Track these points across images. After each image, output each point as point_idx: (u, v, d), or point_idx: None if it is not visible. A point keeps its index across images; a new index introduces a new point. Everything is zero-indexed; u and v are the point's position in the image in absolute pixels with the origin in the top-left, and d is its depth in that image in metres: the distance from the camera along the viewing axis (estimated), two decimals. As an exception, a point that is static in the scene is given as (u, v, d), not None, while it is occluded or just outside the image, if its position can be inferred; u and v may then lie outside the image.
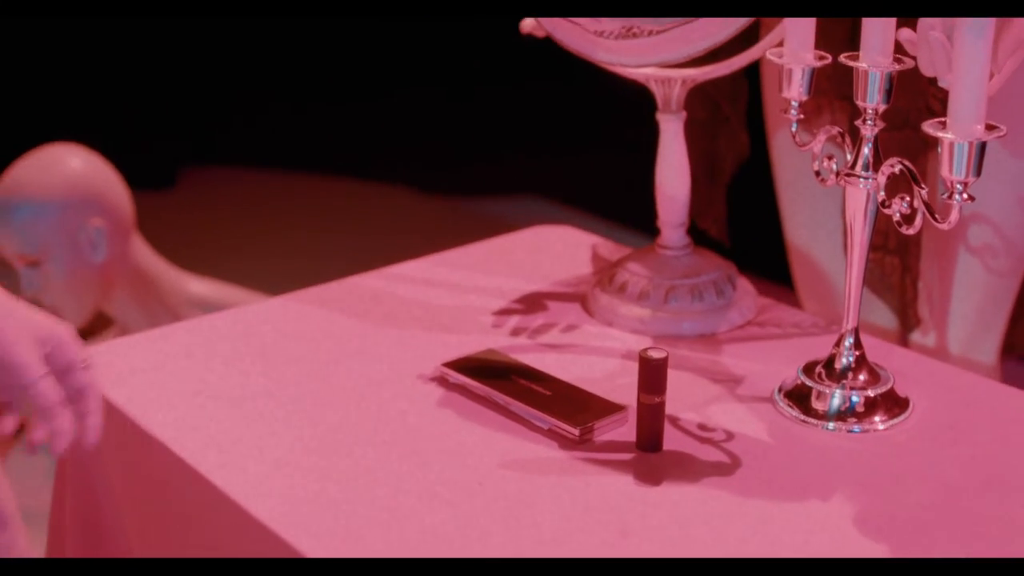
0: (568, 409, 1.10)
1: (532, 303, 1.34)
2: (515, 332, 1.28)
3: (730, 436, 1.08)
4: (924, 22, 1.06)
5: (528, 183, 3.83)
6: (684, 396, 1.14)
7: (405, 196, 3.91)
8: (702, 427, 1.10)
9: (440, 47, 3.94)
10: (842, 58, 1.08)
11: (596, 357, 1.23)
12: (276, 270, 3.21)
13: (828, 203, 1.51)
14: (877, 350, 1.21)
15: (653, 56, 1.20)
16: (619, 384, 1.16)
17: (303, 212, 3.84)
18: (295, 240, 3.61)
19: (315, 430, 1.09)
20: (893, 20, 1.05)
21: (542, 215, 3.50)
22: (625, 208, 2.95)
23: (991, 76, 1.04)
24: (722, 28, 1.18)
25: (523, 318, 1.30)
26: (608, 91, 1.58)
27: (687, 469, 1.03)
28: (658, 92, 1.27)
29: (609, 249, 1.48)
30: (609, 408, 1.11)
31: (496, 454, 1.05)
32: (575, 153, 3.84)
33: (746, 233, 1.67)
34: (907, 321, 1.47)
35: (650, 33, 1.19)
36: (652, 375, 1.05)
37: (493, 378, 1.16)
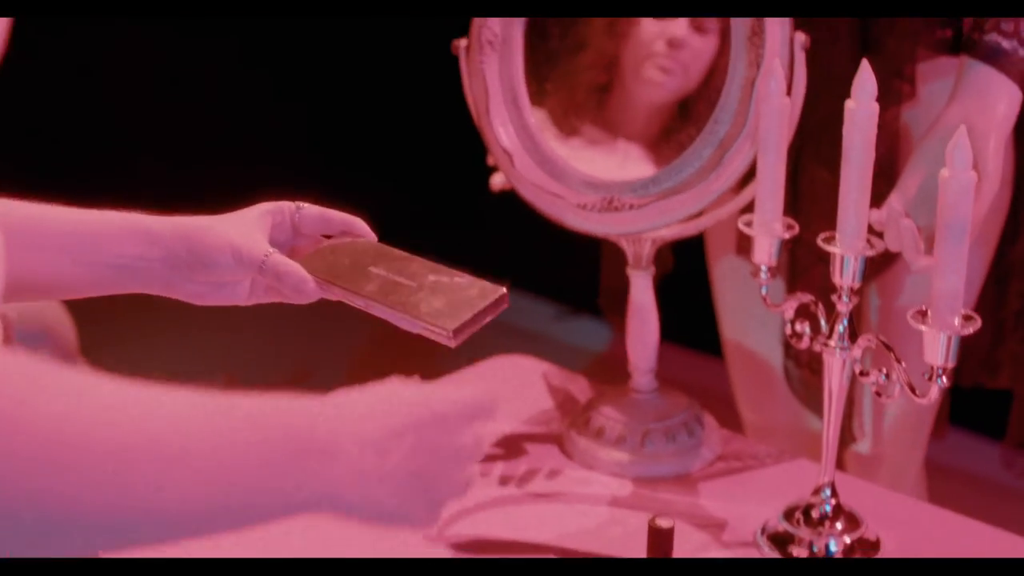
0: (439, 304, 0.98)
1: (510, 446, 1.41)
2: (503, 481, 1.35)
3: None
4: (894, 207, 1.17)
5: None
6: (678, 546, 1.23)
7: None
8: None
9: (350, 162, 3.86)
10: (819, 241, 1.18)
11: (587, 506, 1.31)
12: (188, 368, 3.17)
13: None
14: (848, 487, 1.32)
15: (632, 227, 1.28)
16: (616, 535, 1.25)
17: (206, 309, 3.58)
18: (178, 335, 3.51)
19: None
20: (867, 204, 1.15)
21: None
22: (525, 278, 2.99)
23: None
24: (698, 199, 1.27)
25: (506, 464, 1.38)
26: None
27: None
28: (629, 250, 1.36)
29: (564, 378, 1.56)
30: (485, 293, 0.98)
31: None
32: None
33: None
34: (844, 436, 1.59)
35: (631, 207, 1.27)
36: (661, 542, 1.14)
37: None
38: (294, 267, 1.01)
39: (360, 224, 1.07)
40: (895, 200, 1.21)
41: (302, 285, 1.01)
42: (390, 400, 0.77)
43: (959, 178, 1.04)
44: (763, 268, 1.24)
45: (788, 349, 1.57)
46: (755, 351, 1.65)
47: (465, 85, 1.35)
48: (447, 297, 0.97)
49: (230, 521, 0.70)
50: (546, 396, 1.52)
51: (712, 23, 1.35)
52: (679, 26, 1.37)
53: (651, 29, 1.39)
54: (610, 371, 2.91)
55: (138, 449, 0.64)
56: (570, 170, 1.31)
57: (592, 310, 3.04)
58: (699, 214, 1.32)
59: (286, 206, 1.05)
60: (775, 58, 1.21)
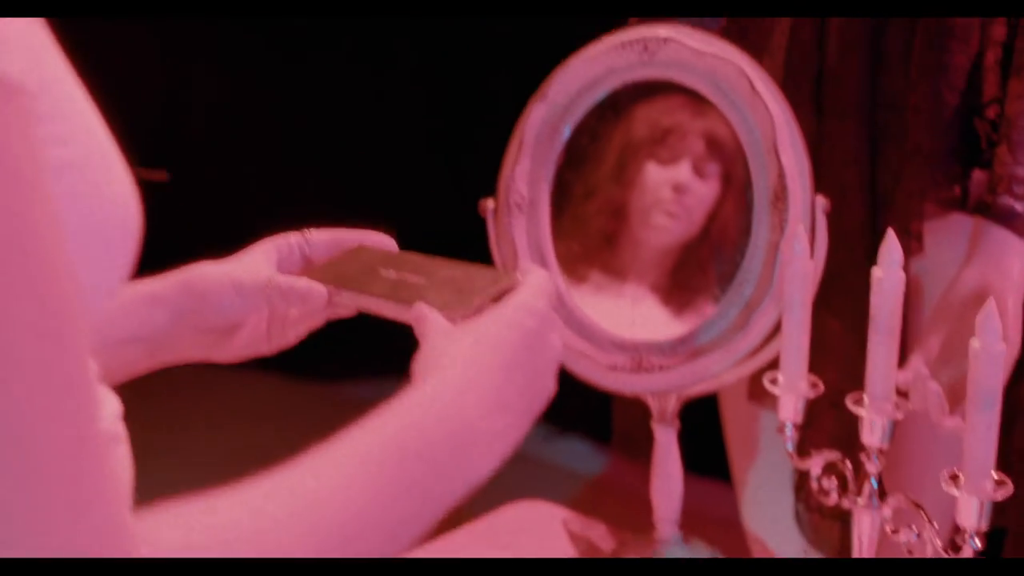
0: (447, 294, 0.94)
1: (537, 599, 1.42)
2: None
3: None
4: (919, 369, 1.21)
5: (400, 364, 3.76)
6: None
7: (273, 382, 3.63)
8: None
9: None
10: (849, 403, 1.21)
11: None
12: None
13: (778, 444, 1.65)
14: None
15: (662, 386, 1.31)
16: None
17: (153, 401, 3.60)
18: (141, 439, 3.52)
19: None
20: (895, 368, 1.18)
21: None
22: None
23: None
24: (726, 359, 1.30)
25: (535, 618, 1.39)
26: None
27: None
28: (655, 405, 1.38)
29: (583, 524, 1.58)
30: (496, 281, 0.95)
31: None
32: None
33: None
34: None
35: (660, 368, 1.30)
36: None
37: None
38: (299, 280, 0.98)
39: (376, 235, 1.05)
40: (918, 361, 1.25)
41: (310, 294, 0.98)
42: (480, 343, 0.80)
43: (989, 349, 1.07)
44: (788, 425, 1.27)
45: (799, 492, 1.60)
46: (765, 492, 1.68)
47: (492, 245, 1.38)
48: (457, 287, 0.94)
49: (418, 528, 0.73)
50: (568, 546, 1.54)
51: (713, 169, 1.40)
52: (683, 172, 1.41)
53: (657, 176, 1.43)
54: (605, 498, 2.95)
55: (346, 523, 0.66)
56: (598, 330, 1.34)
57: (583, 431, 3.07)
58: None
59: (292, 237, 1.04)
60: (798, 222, 1.25)
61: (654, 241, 1.46)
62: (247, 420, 3.57)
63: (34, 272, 0.50)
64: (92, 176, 0.58)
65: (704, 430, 1.82)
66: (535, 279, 0.87)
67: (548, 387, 0.83)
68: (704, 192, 1.42)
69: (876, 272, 1.16)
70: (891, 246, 1.14)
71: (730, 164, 1.38)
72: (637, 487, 2.98)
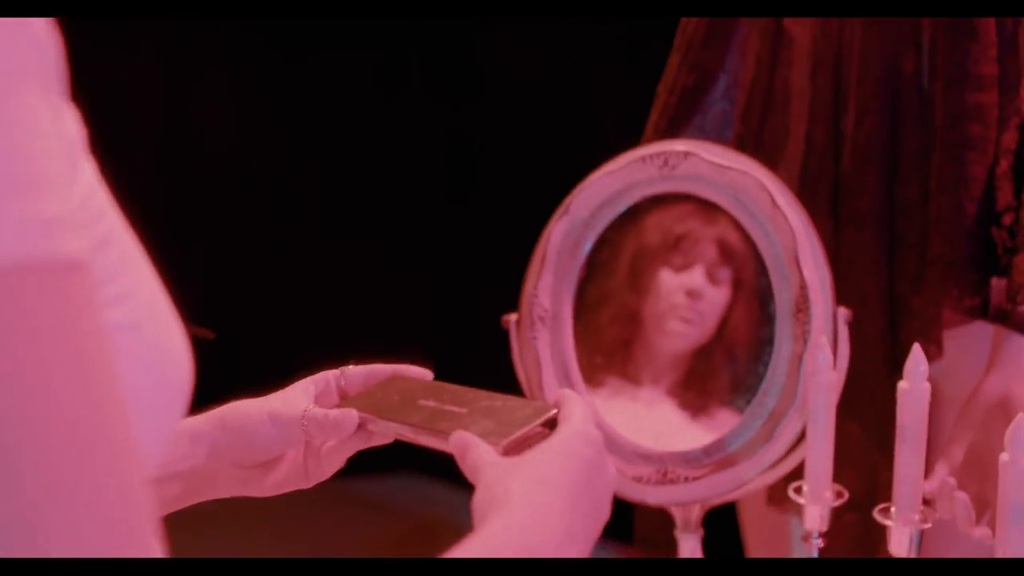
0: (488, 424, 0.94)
1: None
2: None
3: None
4: (946, 479, 1.22)
5: (402, 459, 3.78)
6: None
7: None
8: None
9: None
10: (876, 514, 1.22)
11: None
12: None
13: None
14: None
15: (687, 498, 1.32)
16: None
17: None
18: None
19: None
20: (921, 479, 1.19)
21: (422, 495, 3.54)
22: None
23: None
24: (750, 470, 1.31)
25: None
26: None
27: None
28: (678, 514, 1.39)
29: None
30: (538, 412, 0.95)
31: None
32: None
33: None
34: None
35: (685, 479, 1.31)
36: None
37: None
38: (332, 410, 1.00)
39: (412, 368, 1.06)
40: (943, 471, 1.25)
41: (344, 422, 0.99)
42: (544, 478, 0.82)
43: (1019, 463, 1.08)
44: (815, 533, 1.28)
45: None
46: None
47: (515, 358, 1.40)
48: (497, 418, 0.95)
49: None
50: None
51: (724, 275, 1.42)
52: (696, 278, 1.43)
53: (671, 283, 1.45)
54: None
55: None
56: (624, 442, 1.35)
57: (605, 534, 3.05)
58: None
59: (330, 374, 1.05)
60: (821, 333, 1.27)
61: (668, 347, 1.47)
62: (237, 521, 3.54)
63: (104, 450, 0.51)
64: (148, 334, 0.59)
65: (724, 535, 1.83)
66: (580, 406, 0.88)
67: (607, 511, 0.85)
68: (717, 297, 1.44)
69: (902, 385, 1.17)
70: (917, 359, 1.16)
71: (740, 269, 1.40)
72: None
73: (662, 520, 1.59)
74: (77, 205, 0.53)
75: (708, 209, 1.37)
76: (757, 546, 1.70)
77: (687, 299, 1.44)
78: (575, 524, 0.79)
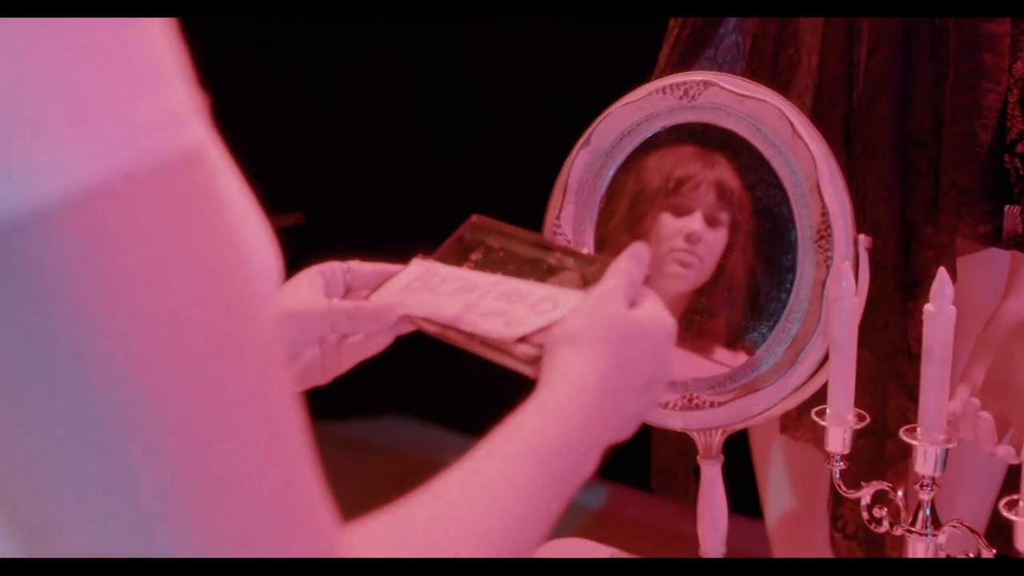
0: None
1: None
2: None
3: None
4: (969, 400, 1.24)
5: (393, 402, 3.74)
6: None
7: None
8: None
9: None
10: (902, 434, 1.24)
11: None
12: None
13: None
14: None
15: (712, 423, 1.34)
16: None
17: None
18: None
19: None
20: (947, 399, 1.22)
21: (413, 436, 3.55)
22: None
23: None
24: (775, 395, 1.33)
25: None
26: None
27: None
28: (700, 440, 1.41)
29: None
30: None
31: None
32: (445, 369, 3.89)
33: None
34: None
35: (711, 404, 1.33)
36: None
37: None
38: (365, 302, 0.96)
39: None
40: (965, 392, 1.28)
41: (381, 313, 0.95)
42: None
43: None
44: (837, 456, 1.30)
45: (835, 522, 1.63)
46: (800, 524, 1.71)
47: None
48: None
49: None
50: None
51: (723, 217, 1.43)
52: (696, 221, 1.44)
53: (670, 226, 1.46)
54: (609, 529, 2.96)
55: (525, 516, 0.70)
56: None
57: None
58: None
59: (336, 265, 1.01)
60: (843, 259, 1.29)
61: (669, 289, 1.48)
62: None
63: (242, 324, 0.52)
64: (245, 230, 0.59)
65: (733, 467, 1.86)
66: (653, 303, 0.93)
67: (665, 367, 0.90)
68: (715, 240, 1.45)
69: (928, 307, 1.19)
70: (943, 282, 1.18)
71: (737, 212, 1.40)
72: (639, 518, 3.00)
73: (678, 450, 1.62)
74: (192, 94, 0.53)
75: (707, 152, 1.38)
76: (768, 475, 1.73)
77: (686, 243, 1.45)
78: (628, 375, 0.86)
